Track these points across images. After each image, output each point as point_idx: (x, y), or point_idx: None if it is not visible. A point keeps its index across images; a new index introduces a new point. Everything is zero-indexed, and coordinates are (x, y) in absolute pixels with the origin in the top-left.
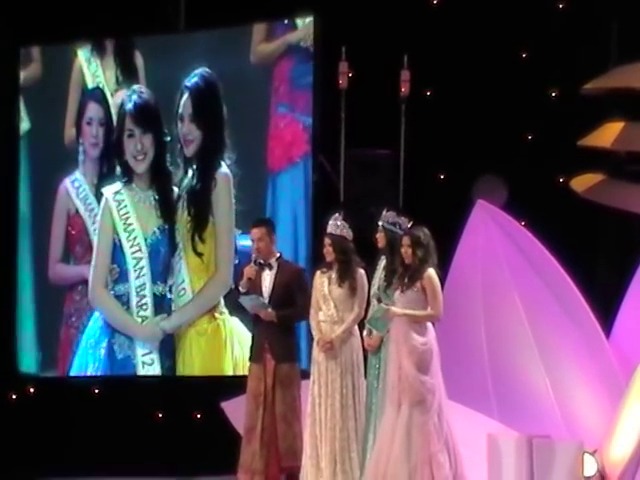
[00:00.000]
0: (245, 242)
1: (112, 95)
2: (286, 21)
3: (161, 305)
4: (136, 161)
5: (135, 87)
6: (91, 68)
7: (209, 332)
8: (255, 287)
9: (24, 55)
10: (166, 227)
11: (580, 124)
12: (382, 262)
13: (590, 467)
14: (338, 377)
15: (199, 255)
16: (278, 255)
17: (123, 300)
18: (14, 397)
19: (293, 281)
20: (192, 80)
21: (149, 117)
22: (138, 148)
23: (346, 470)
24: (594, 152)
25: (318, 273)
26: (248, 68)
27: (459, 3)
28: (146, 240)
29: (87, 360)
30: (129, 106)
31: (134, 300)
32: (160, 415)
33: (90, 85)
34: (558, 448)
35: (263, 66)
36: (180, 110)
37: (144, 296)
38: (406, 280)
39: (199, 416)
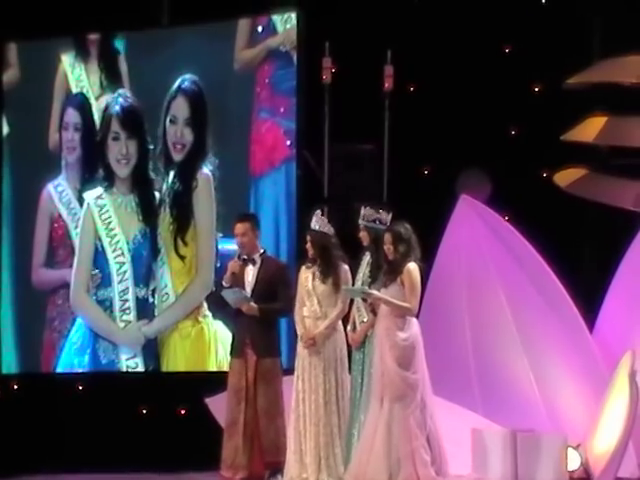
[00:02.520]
0: (227, 245)
1: (96, 100)
2: (270, 18)
3: (144, 309)
4: (119, 165)
5: (121, 91)
6: (75, 73)
7: (193, 335)
8: (238, 282)
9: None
10: (147, 231)
11: (563, 119)
12: (366, 258)
13: (574, 461)
14: (321, 372)
15: (181, 258)
16: (262, 251)
17: (106, 305)
18: None
19: (276, 276)
20: (185, 83)
21: (135, 122)
22: (123, 152)
23: (330, 465)
24: (577, 146)
25: (303, 268)
26: (231, 74)
27: None
28: (128, 244)
29: (72, 364)
30: (116, 109)
31: (117, 304)
32: (144, 411)
33: (74, 90)
34: (542, 442)
35: (246, 72)
36: (172, 113)
37: (127, 300)
38: (388, 275)
39: (183, 412)
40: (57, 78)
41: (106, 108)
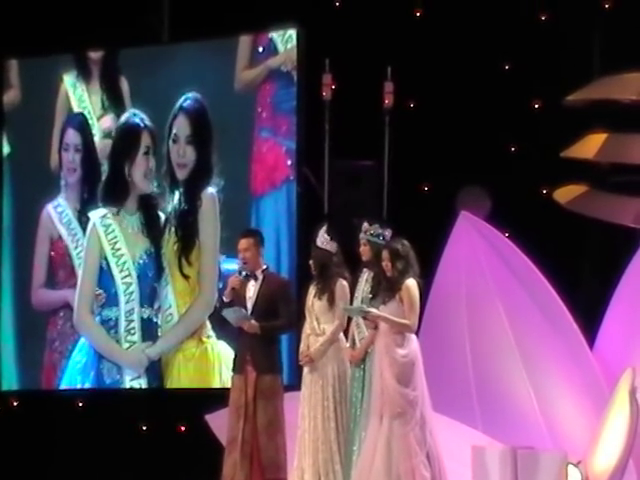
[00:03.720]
0: (230, 266)
1: (98, 120)
2: (270, 37)
3: (148, 329)
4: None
5: (133, 111)
6: (77, 93)
7: (197, 356)
8: (239, 298)
9: (4, 77)
10: (152, 251)
11: (563, 135)
12: (364, 275)
13: (574, 478)
14: (320, 389)
15: (186, 278)
16: (264, 267)
17: (111, 324)
18: None
19: (278, 293)
20: (188, 102)
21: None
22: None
23: None
24: (577, 163)
25: (312, 286)
26: (232, 93)
27: (442, 15)
28: (134, 264)
29: (75, 383)
30: (146, 123)
31: (123, 325)
32: (144, 427)
33: (76, 110)
34: (542, 459)
35: (247, 92)
36: (174, 131)
37: (132, 321)
38: (387, 292)
39: (183, 428)
40: (59, 98)
41: (135, 124)
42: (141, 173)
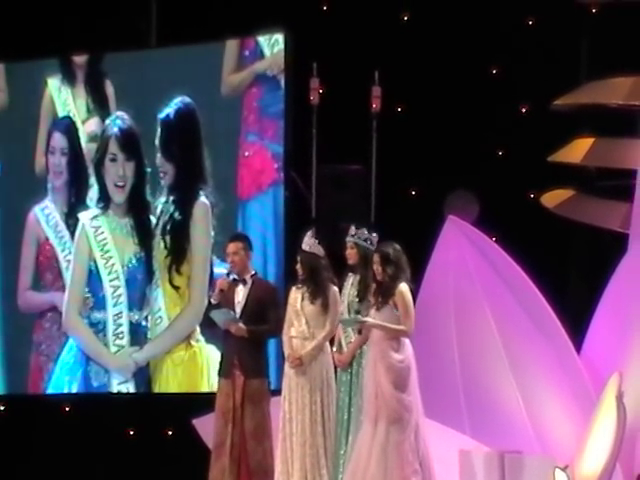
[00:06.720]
0: (219, 270)
1: (83, 123)
2: (256, 42)
3: (137, 334)
4: (116, 187)
5: (118, 113)
6: (61, 97)
7: (185, 360)
8: (227, 301)
9: None
10: (142, 255)
11: (550, 140)
12: (350, 279)
13: None
14: (307, 393)
15: (176, 289)
16: (253, 272)
17: (99, 328)
18: None
19: (266, 298)
20: (165, 112)
21: (133, 144)
22: (120, 174)
23: None
24: (564, 168)
25: (293, 289)
26: (218, 97)
27: (429, 19)
28: (123, 268)
29: (62, 385)
30: (114, 130)
31: (111, 328)
32: (131, 432)
33: (61, 114)
34: (529, 463)
35: (233, 96)
36: (162, 136)
37: (120, 325)
38: (380, 298)
39: (170, 433)
40: (43, 102)
41: (104, 130)
42: (110, 180)
